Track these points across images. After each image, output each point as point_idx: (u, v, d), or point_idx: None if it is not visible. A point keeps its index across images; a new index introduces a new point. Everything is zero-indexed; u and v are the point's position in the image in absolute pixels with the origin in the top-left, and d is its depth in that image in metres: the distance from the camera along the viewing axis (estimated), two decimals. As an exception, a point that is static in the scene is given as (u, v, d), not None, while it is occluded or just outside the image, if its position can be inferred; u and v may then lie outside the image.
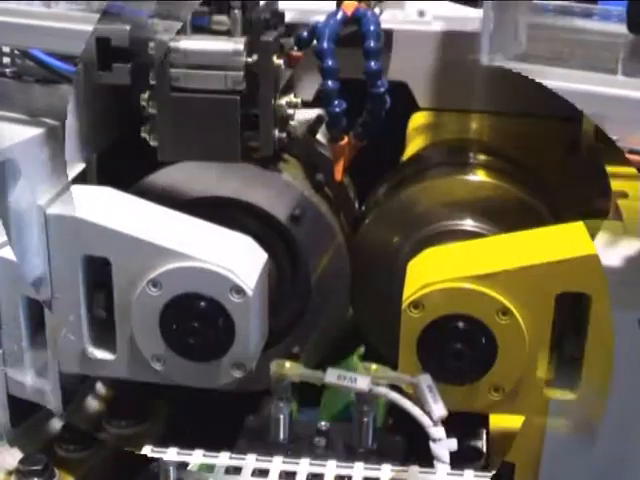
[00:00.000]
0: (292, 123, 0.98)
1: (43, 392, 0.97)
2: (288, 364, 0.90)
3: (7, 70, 1.01)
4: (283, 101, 0.95)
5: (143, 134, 0.94)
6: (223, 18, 0.92)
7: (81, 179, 0.97)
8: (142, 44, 0.92)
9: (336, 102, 0.97)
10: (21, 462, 0.97)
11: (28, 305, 0.96)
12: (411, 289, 0.90)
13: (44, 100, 0.97)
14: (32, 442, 1.03)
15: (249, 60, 0.91)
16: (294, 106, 0.96)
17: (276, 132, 0.94)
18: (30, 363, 0.98)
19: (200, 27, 0.93)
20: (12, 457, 1.00)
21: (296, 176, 1.00)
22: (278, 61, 0.92)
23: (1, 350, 0.97)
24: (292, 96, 0.97)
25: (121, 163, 1.02)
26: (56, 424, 1.07)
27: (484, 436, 1.02)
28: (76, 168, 0.97)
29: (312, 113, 1.06)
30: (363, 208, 1.08)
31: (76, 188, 0.95)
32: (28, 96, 0.97)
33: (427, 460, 0.84)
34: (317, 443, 0.91)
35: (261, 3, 0.97)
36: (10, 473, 0.98)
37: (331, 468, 0.83)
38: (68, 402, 1.00)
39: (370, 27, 0.98)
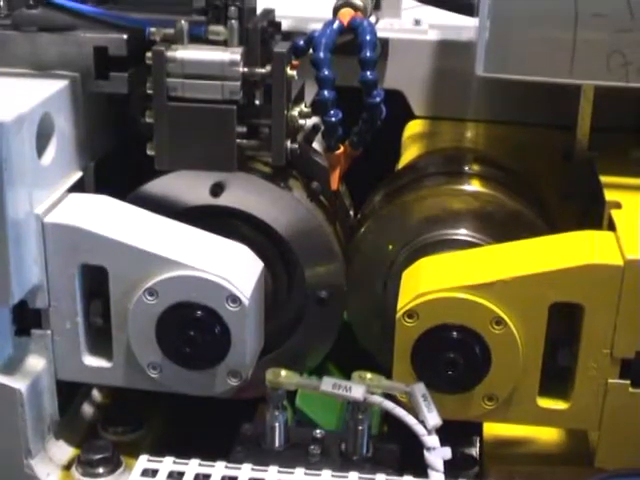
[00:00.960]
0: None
1: (102, 370, 0.96)
2: (284, 372, 0.91)
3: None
4: (295, 112, 0.95)
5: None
6: (220, 28, 0.92)
7: (78, 187, 0.98)
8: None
9: (332, 112, 0.97)
10: (85, 451, 0.97)
11: (84, 275, 0.93)
12: (406, 298, 0.90)
13: (55, 50, 0.96)
14: (75, 432, 1.02)
15: (262, 71, 0.92)
16: (305, 116, 0.97)
17: (288, 143, 0.95)
18: (85, 340, 0.96)
19: (197, 37, 0.93)
20: (61, 451, 0.99)
21: (292, 185, 1.00)
22: (291, 72, 0.93)
23: (49, 331, 0.94)
24: (303, 106, 0.98)
25: (118, 171, 1.02)
26: (89, 410, 1.07)
27: (478, 444, 1.03)
28: (73, 176, 0.98)
29: (308, 122, 1.07)
30: (359, 217, 1.08)
31: (73, 196, 0.96)
32: (35, 47, 0.96)
33: (423, 468, 0.85)
34: (312, 451, 0.92)
35: (258, 12, 0.98)
36: (67, 468, 0.98)
37: (326, 477, 0.84)
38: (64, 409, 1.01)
39: (366, 37, 0.98)
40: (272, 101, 0.93)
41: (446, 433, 0.87)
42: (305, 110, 0.96)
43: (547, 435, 1.02)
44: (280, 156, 0.94)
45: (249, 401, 1.02)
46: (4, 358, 0.94)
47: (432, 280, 0.91)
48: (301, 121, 0.96)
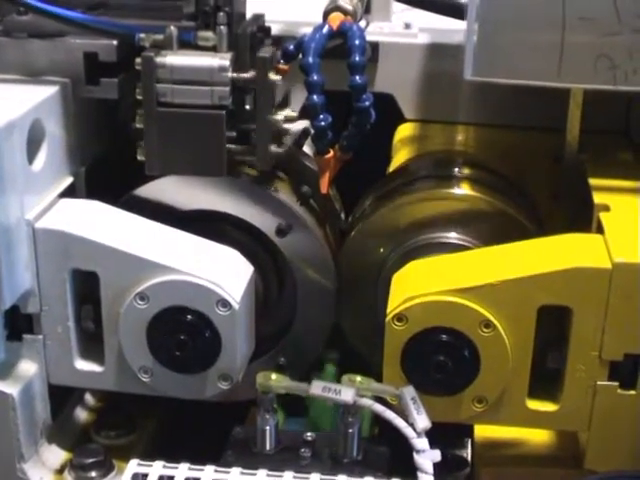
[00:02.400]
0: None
1: (93, 375, 0.96)
2: (274, 376, 0.91)
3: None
4: (280, 116, 0.96)
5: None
6: (209, 34, 0.93)
7: (69, 193, 0.98)
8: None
9: (321, 116, 0.97)
10: (77, 455, 0.97)
11: (75, 280, 0.94)
12: (395, 302, 0.90)
13: (46, 56, 0.96)
14: (67, 436, 1.03)
15: (246, 76, 0.92)
16: (290, 120, 0.97)
17: (273, 147, 0.95)
18: (77, 344, 0.96)
19: (187, 43, 0.94)
20: (53, 455, 1.00)
21: (282, 189, 1.01)
22: (275, 77, 0.93)
23: (41, 336, 0.95)
24: (289, 110, 0.98)
25: (109, 176, 1.02)
26: (82, 414, 1.07)
27: (469, 445, 1.03)
28: (64, 182, 0.98)
29: (299, 125, 1.07)
30: (349, 220, 1.08)
31: (64, 202, 0.96)
32: (25, 53, 0.97)
33: (414, 470, 0.85)
34: (303, 454, 0.92)
35: (247, 17, 0.98)
36: (59, 472, 0.98)
37: (315, 480, 0.84)
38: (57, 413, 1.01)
39: (355, 41, 0.98)
40: (256, 106, 0.93)
41: (438, 435, 0.87)
42: (291, 114, 0.97)
43: (538, 437, 1.02)
44: (265, 160, 0.95)
45: (241, 404, 1.02)
46: (-4, 363, 0.95)
47: (421, 283, 0.91)
48: (286, 125, 0.96)
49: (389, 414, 0.87)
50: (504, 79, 0.92)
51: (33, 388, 0.96)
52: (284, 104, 1.00)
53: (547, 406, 0.92)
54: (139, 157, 0.95)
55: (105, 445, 1.01)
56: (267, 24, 1.01)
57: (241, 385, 0.95)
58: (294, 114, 0.97)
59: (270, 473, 0.84)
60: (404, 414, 0.87)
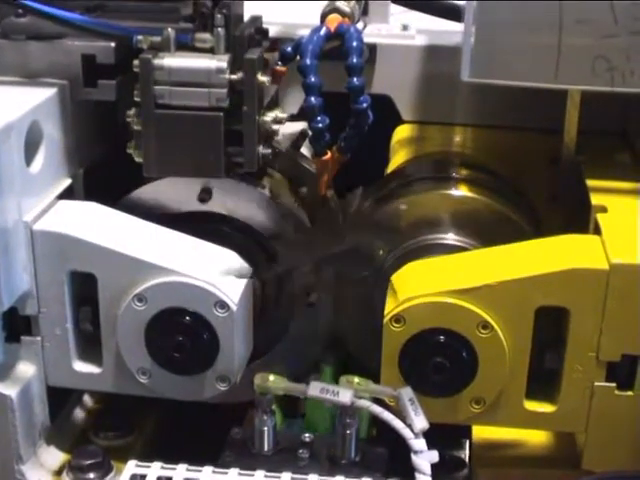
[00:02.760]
0: (276, 138, 0.99)
1: (92, 376, 0.96)
2: (272, 377, 0.91)
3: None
4: (268, 117, 0.96)
5: (129, 150, 0.95)
6: (206, 36, 0.93)
7: (67, 194, 0.98)
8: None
9: (319, 118, 0.97)
10: (76, 457, 0.97)
11: (73, 281, 0.94)
12: (393, 303, 0.91)
13: (43, 58, 0.97)
14: (66, 437, 1.03)
15: (234, 77, 0.92)
16: (279, 122, 0.97)
17: (260, 148, 0.95)
18: (75, 346, 0.96)
19: (184, 44, 0.94)
20: (52, 456, 1.00)
21: (280, 190, 1.01)
22: (262, 78, 0.93)
23: (39, 337, 0.95)
24: (277, 112, 0.98)
25: (107, 178, 1.03)
26: (81, 415, 1.07)
27: (467, 446, 1.03)
28: (62, 184, 0.98)
29: (297, 126, 1.08)
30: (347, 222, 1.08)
31: (62, 204, 0.96)
32: (23, 55, 0.97)
33: (411, 471, 0.85)
34: (301, 455, 0.92)
35: (245, 19, 0.99)
36: (58, 473, 0.98)
37: (312, 481, 0.85)
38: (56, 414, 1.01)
39: (353, 43, 0.98)
40: (243, 107, 0.93)
41: (436, 436, 0.88)
42: (280, 116, 0.97)
43: (536, 438, 1.02)
44: (253, 161, 0.94)
45: (239, 405, 1.02)
46: (-6, 365, 0.95)
47: (419, 285, 0.91)
48: (274, 126, 0.96)
49: (387, 415, 0.87)
50: (501, 80, 0.92)
51: (31, 390, 0.96)
52: (274, 105, 1.00)
53: (545, 407, 0.92)
54: (137, 159, 0.95)
55: (103, 446, 1.01)
56: (265, 26, 1.01)
57: (239, 386, 0.95)
58: (283, 115, 0.97)
59: (268, 474, 0.85)
60: (402, 415, 0.87)
